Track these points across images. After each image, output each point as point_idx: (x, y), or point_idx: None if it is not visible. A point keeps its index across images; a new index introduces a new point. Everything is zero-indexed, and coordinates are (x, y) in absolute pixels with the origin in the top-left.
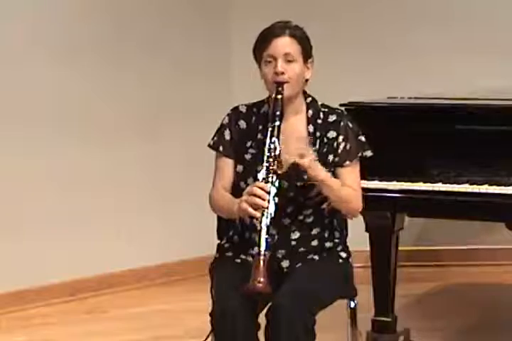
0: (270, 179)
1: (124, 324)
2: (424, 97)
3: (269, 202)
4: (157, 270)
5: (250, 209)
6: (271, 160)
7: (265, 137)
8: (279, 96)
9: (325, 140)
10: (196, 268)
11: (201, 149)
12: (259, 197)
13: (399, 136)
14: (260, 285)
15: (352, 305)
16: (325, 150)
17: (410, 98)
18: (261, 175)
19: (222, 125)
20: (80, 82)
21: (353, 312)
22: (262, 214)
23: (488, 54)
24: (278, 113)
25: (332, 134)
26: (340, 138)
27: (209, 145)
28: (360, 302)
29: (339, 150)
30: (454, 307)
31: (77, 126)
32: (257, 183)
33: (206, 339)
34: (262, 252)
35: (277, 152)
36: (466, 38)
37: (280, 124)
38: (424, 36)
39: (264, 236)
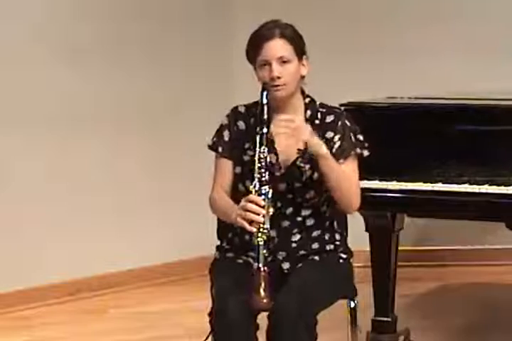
0: (263, 191)
1: (124, 324)
2: (424, 97)
3: (264, 216)
4: (157, 270)
5: (246, 225)
6: (262, 170)
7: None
8: (265, 102)
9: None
10: (196, 268)
11: (201, 149)
12: (254, 212)
13: (399, 135)
14: (264, 301)
15: (352, 305)
16: None
17: (410, 98)
18: (253, 187)
19: (221, 126)
20: (80, 83)
21: (353, 312)
22: (258, 230)
23: (487, 55)
24: (265, 118)
25: (330, 135)
26: (337, 137)
27: (208, 146)
28: (360, 303)
29: (334, 150)
30: (454, 307)
31: (78, 126)
32: (250, 197)
33: (206, 339)
34: (262, 268)
35: (268, 161)
36: (465, 39)
37: (268, 132)
38: (424, 37)
39: (262, 251)
